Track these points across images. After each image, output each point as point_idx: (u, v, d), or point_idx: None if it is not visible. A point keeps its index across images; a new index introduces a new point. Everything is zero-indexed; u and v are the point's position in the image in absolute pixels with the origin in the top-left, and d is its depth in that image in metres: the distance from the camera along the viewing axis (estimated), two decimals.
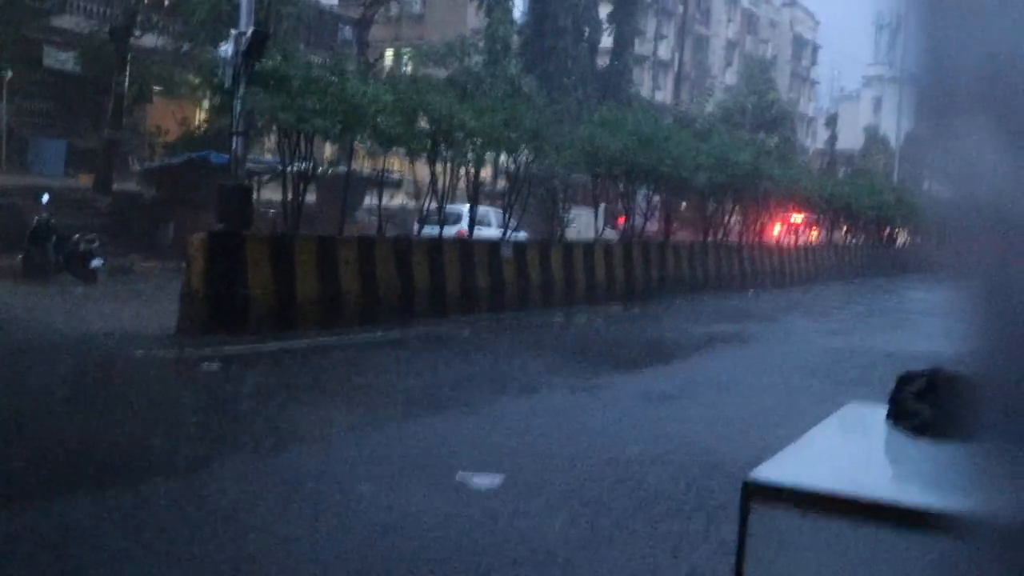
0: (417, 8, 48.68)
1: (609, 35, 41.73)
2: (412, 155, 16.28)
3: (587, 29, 40.29)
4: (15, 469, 6.26)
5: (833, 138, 64.34)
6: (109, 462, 6.63)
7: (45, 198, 16.52)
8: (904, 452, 2.59)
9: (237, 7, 14.47)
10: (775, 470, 2.33)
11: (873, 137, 74.11)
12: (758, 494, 2.20)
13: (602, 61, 41.61)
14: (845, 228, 38.13)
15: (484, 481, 6.46)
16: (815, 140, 75.80)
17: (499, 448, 7.52)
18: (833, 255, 35.75)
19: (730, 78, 63.98)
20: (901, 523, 2.05)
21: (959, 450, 2.38)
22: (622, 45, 42.01)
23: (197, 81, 24.71)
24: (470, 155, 17.42)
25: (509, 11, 38.39)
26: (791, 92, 69.97)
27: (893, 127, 62.27)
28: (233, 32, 13.66)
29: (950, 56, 1.14)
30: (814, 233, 36.49)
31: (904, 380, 2.74)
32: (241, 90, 13.39)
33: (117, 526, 5.32)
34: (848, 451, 2.88)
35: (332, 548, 5.22)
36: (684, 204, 29.31)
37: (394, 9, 45.78)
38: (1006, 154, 1.08)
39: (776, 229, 33.05)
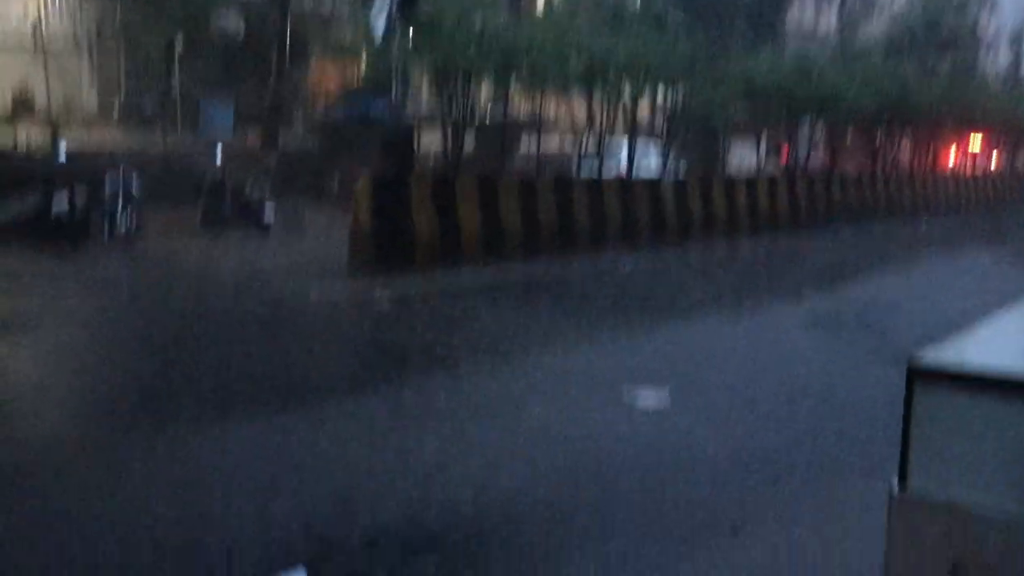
0: None
1: None
2: (568, 92, 16.28)
3: None
4: (223, 393, 6.73)
5: (1018, 59, 60.44)
6: (300, 383, 7.13)
7: (218, 156, 17.16)
8: None
9: None
10: (942, 353, 2.25)
11: None
12: (923, 377, 2.14)
13: None
14: None
15: (649, 398, 6.53)
16: (997, 64, 71.89)
17: (666, 366, 7.66)
18: (1017, 181, 34.06)
19: (898, 5, 61.13)
20: None
21: None
22: None
23: (356, 36, 25.12)
24: (626, 92, 17.25)
25: None
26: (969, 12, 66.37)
27: None
28: None
29: None
30: (994, 158, 34.74)
31: None
32: (398, 41, 13.59)
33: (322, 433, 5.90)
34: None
35: (517, 460, 5.48)
36: (849, 137, 28.32)
37: None
38: None
39: (951, 156, 31.63)
